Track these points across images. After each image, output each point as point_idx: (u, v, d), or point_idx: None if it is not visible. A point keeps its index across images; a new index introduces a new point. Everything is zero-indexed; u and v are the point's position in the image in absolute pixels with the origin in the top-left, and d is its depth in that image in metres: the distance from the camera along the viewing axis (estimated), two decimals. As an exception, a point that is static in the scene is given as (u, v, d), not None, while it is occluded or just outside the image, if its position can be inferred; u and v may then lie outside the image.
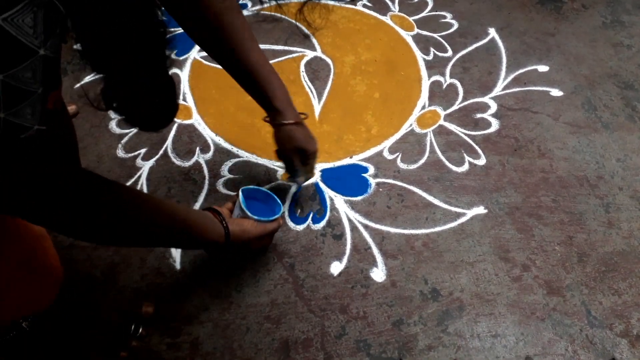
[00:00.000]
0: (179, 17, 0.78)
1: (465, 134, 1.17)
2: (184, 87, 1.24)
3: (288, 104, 0.87)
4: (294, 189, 1.04)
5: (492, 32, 1.41)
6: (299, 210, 1.02)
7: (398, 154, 1.13)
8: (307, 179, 0.98)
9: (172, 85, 0.57)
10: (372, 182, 1.08)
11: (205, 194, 1.05)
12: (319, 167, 1.10)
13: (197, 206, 1.03)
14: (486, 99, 1.25)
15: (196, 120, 1.17)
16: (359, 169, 1.11)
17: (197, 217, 0.75)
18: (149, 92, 0.54)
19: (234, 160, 1.11)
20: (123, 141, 1.13)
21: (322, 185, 1.07)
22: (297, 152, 0.91)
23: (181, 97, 1.21)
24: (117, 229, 0.61)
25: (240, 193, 0.84)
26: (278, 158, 0.95)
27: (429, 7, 1.47)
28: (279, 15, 1.40)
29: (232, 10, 0.78)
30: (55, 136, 0.48)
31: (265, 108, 0.88)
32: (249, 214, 0.83)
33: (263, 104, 0.88)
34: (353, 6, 1.45)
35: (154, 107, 0.57)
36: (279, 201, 0.90)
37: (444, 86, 1.27)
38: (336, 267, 0.96)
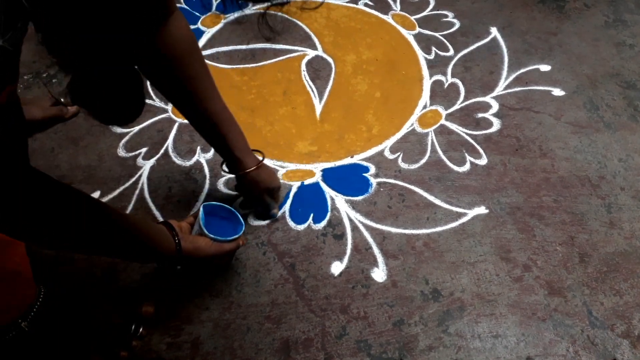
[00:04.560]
0: (143, 66, 0.74)
1: (467, 134, 1.17)
2: (185, 86, 1.23)
3: (247, 151, 0.90)
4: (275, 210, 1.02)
5: (494, 32, 1.40)
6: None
7: (399, 153, 1.13)
8: (279, 209, 1.03)
9: (139, 80, 0.56)
10: (373, 181, 1.08)
11: (206, 193, 1.05)
12: (320, 166, 1.10)
13: (197, 205, 1.03)
14: (488, 99, 1.24)
15: (197, 119, 1.17)
16: (360, 169, 1.10)
17: (149, 228, 0.74)
18: (115, 87, 0.54)
19: (234, 160, 1.11)
20: (124, 140, 1.13)
21: (323, 185, 1.07)
22: (266, 193, 0.96)
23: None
24: (60, 233, 0.59)
25: (201, 209, 0.83)
26: (245, 205, 1.03)
27: (431, 6, 1.47)
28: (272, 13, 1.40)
29: (193, 54, 0.76)
30: (6, 131, 0.47)
31: (224, 157, 0.90)
32: (205, 231, 0.81)
33: (222, 153, 0.90)
34: (354, 5, 1.44)
35: (120, 102, 0.56)
36: (242, 221, 0.89)
37: (446, 85, 1.27)
38: (337, 267, 0.96)
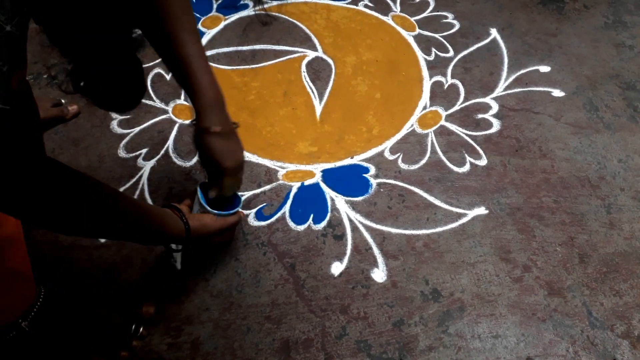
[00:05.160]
0: None
1: (467, 135, 1.17)
2: (185, 87, 1.23)
3: (215, 108, 0.78)
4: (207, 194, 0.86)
5: (494, 33, 1.40)
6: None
7: (399, 154, 1.13)
8: (217, 195, 0.85)
9: (140, 66, 0.56)
10: (373, 182, 1.08)
11: (206, 194, 1.05)
12: (321, 167, 1.10)
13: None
14: (487, 100, 1.25)
15: (197, 120, 1.17)
16: (360, 170, 1.10)
17: (158, 212, 0.74)
18: (116, 73, 0.54)
19: (235, 161, 1.11)
20: (124, 141, 1.13)
21: (323, 186, 1.07)
22: (210, 163, 0.81)
23: (182, 97, 1.21)
24: (76, 219, 0.60)
25: (198, 189, 0.84)
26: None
27: (431, 8, 1.47)
28: (277, 14, 1.40)
29: None
30: (20, 119, 0.47)
31: (195, 108, 0.79)
32: (208, 208, 0.82)
33: (192, 104, 0.79)
34: (355, 6, 1.45)
35: (121, 89, 0.57)
36: (238, 195, 0.89)
37: (445, 86, 1.27)
38: (337, 268, 0.96)
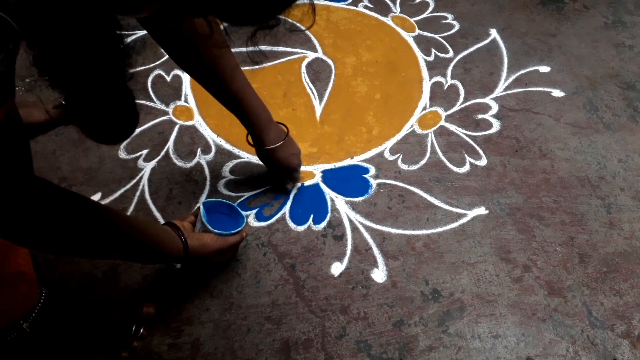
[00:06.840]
0: (168, 48, 0.81)
1: (466, 135, 1.17)
2: (186, 88, 1.24)
3: (268, 128, 0.92)
4: (292, 191, 1.07)
5: (494, 33, 1.41)
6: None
7: (399, 154, 1.13)
8: (294, 186, 1.07)
9: (132, 98, 0.57)
10: (373, 183, 1.08)
11: (207, 194, 1.05)
12: (320, 168, 1.11)
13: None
14: (487, 100, 1.25)
15: (198, 121, 1.18)
16: (360, 170, 1.11)
17: (155, 230, 0.75)
18: (108, 107, 0.54)
19: (235, 161, 1.11)
20: (125, 142, 1.13)
21: (323, 186, 1.07)
22: (283, 170, 0.99)
23: (183, 98, 1.22)
24: (70, 240, 0.60)
25: (201, 207, 0.85)
26: (269, 176, 1.07)
27: (430, 8, 1.47)
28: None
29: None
30: (8, 145, 0.47)
31: (248, 130, 0.94)
32: (209, 227, 0.83)
33: (246, 127, 0.93)
34: (355, 7, 1.45)
35: (114, 121, 0.57)
36: (242, 214, 0.90)
37: (445, 87, 1.27)
38: (337, 268, 0.96)
